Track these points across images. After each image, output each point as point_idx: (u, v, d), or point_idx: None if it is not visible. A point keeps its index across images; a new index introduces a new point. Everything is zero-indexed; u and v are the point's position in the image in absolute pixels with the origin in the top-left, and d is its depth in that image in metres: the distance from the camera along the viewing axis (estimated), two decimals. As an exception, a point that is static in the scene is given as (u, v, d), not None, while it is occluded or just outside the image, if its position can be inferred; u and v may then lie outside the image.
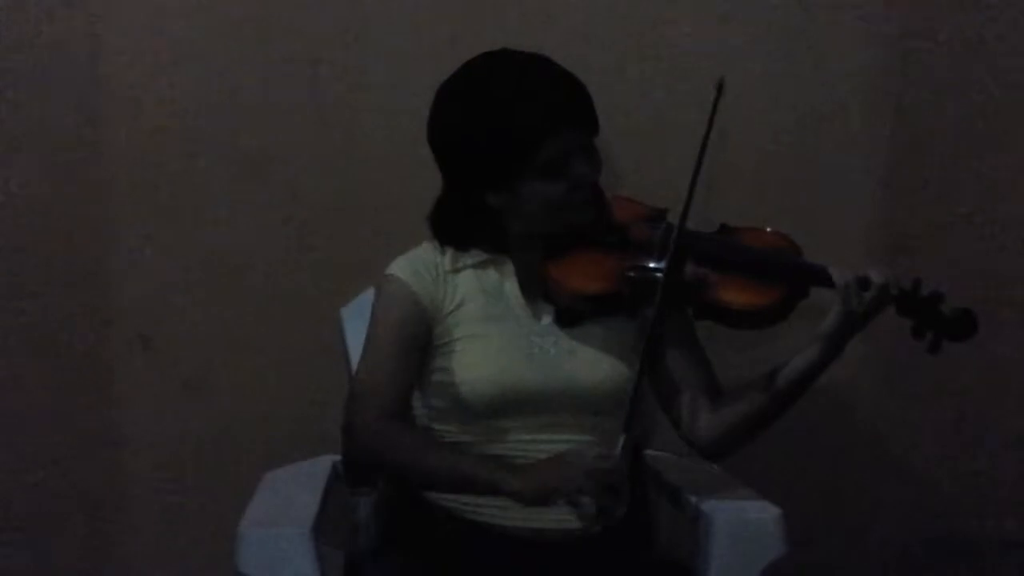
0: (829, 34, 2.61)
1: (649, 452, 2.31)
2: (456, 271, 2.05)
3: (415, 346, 2.03)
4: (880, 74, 2.62)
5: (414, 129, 2.49)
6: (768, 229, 2.06)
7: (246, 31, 2.54)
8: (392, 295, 2.05)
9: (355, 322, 2.49)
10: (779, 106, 2.62)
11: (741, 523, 2.04)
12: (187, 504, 2.62)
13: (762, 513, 2.06)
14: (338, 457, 2.29)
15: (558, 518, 1.97)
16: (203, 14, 2.53)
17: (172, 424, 2.60)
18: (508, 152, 1.94)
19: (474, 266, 2.06)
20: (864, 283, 1.93)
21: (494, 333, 2.02)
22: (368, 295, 2.48)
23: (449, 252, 2.06)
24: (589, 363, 2.02)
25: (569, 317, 2.04)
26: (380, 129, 2.57)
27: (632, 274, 2.00)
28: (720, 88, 1.99)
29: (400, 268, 2.06)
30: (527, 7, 2.56)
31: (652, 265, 1.99)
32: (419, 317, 2.03)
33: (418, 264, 2.06)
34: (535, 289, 2.05)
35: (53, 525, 2.61)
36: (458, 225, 2.06)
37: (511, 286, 2.05)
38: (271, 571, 1.94)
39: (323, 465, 2.30)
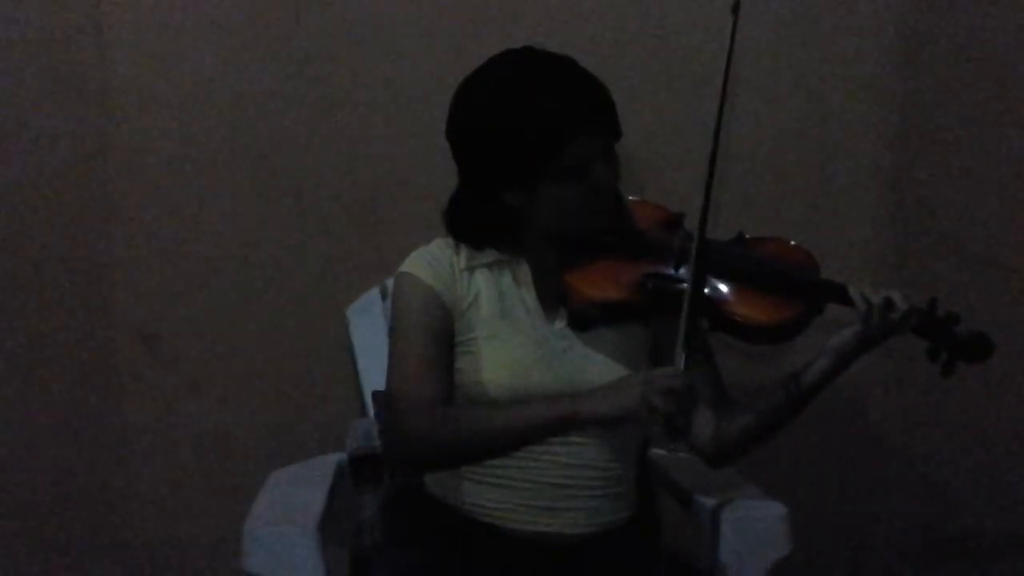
0: (834, 36, 2.61)
1: (656, 451, 2.30)
2: (471, 270, 2.03)
3: (444, 337, 2.00)
4: (885, 74, 2.62)
5: (421, 126, 2.52)
6: (792, 243, 2.04)
7: (252, 28, 2.54)
8: (411, 292, 2.02)
9: (361, 320, 2.49)
10: (783, 107, 2.62)
11: (747, 522, 2.04)
12: (193, 502, 2.61)
13: (768, 512, 2.06)
14: (343, 456, 2.29)
15: (566, 520, 1.97)
16: (209, 11, 2.53)
17: (178, 422, 2.60)
18: (530, 153, 1.92)
19: (489, 266, 2.04)
20: (889, 305, 1.92)
21: (508, 335, 2.00)
22: (374, 293, 2.49)
23: (464, 251, 2.04)
24: (601, 368, 2.00)
25: (583, 321, 2.02)
26: (387, 127, 2.57)
27: (648, 283, 1.98)
28: (736, 8, 1.95)
29: (415, 265, 2.04)
30: (532, 6, 2.56)
31: (669, 274, 1.98)
32: (441, 310, 2.00)
33: (433, 260, 2.03)
34: (549, 291, 2.03)
35: (59, 523, 2.61)
36: (473, 223, 2.03)
37: (526, 288, 2.04)
38: (277, 569, 1.94)
39: (329, 464, 2.30)
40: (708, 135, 1.97)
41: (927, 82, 2.64)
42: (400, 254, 2.09)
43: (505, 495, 1.97)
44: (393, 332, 2.04)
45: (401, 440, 1.98)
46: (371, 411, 2.38)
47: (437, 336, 2.00)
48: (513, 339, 2.00)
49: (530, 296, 2.03)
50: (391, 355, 2.03)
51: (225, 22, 2.54)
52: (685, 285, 1.94)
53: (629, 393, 1.89)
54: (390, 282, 2.44)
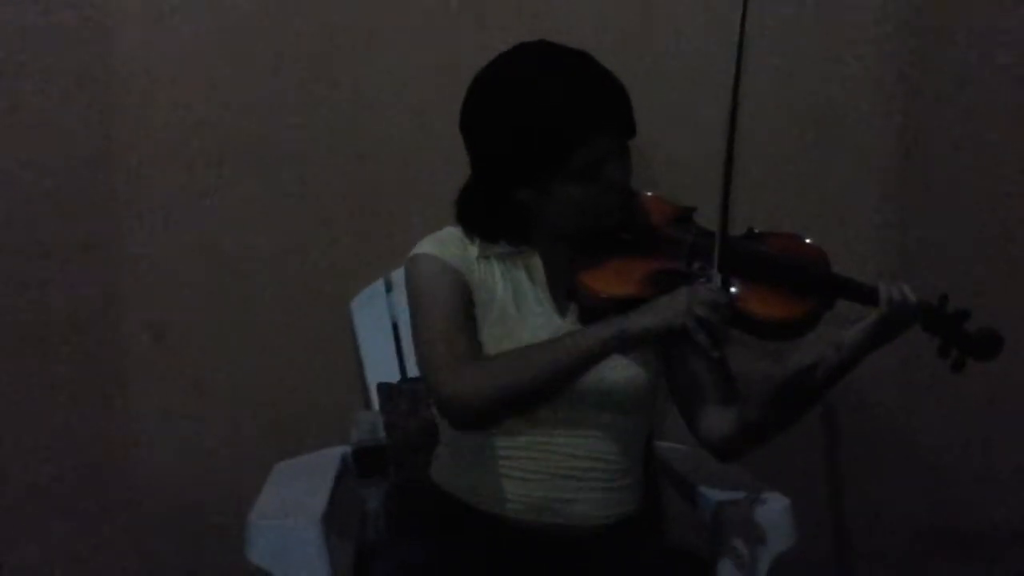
0: (838, 35, 2.61)
1: (660, 443, 2.31)
2: (486, 258, 2.02)
3: (467, 302, 1.98)
4: (889, 69, 2.62)
5: (425, 120, 2.51)
6: (807, 240, 2.02)
7: (257, 26, 2.53)
8: (427, 268, 1.99)
9: (365, 313, 2.50)
10: (787, 102, 2.62)
11: (751, 515, 2.04)
12: (198, 495, 2.62)
13: (772, 504, 2.06)
14: (348, 448, 2.29)
15: (573, 512, 1.97)
16: (213, 7, 2.53)
17: (183, 416, 2.60)
18: (544, 152, 1.91)
19: (502, 257, 2.03)
20: (904, 300, 1.90)
21: (520, 327, 1.99)
22: (378, 286, 2.50)
23: (477, 241, 2.03)
24: (613, 362, 1.98)
25: (594, 317, 2.00)
26: (390, 121, 2.56)
27: (661, 279, 1.97)
28: None
29: (429, 246, 2.01)
30: (537, 6, 2.56)
31: (681, 270, 1.97)
32: (460, 281, 1.98)
33: (448, 242, 2.01)
34: (561, 285, 2.02)
35: (66, 519, 2.61)
36: (485, 216, 2.02)
37: (538, 281, 2.03)
38: (281, 561, 1.94)
39: (333, 456, 2.30)
40: (719, 128, 1.96)
41: (932, 76, 2.63)
42: (403, 247, 2.08)
43: (512, 486, 1.97)
44: (415, 307, 2.00)
45: (450, 400, 1.95)
46: (375, 403, 2.38)
47: (460, 301, 1.97)
48: (525, 333, 1.99)
49: (542, 291, 2.03)
50: (417, 328, 1.99)
51: (229, 18, 2.53)
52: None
53: (675, 306, 1.89)
54: (394, 275, 2.46)
